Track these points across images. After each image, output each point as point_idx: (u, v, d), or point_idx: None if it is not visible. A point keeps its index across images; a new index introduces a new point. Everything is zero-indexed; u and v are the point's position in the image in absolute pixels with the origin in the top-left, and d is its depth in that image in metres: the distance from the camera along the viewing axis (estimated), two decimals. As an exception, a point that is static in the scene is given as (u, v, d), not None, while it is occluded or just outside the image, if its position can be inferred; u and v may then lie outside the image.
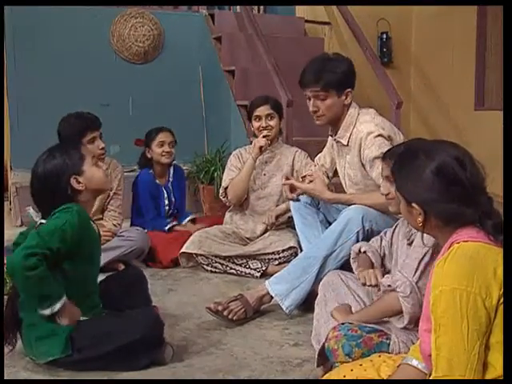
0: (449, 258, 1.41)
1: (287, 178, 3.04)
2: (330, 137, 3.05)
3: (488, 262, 1.38)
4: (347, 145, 2.82)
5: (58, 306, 2.08)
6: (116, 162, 3.71)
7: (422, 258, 1.99)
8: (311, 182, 2.92)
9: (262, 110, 3.52)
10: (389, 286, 2.03)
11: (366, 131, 2.71)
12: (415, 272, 1.99)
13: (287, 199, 3.06)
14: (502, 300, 1.36)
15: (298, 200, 2.97)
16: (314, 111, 2.79)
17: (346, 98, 2.77)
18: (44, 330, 2.11)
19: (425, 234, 1.98)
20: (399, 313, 1.97)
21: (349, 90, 2.76)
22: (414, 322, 1.95)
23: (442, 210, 1.48)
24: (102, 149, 3.38)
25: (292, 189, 2.98)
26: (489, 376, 1.37)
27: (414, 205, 1.51)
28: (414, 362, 1.58)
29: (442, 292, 1.37)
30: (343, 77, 2.74)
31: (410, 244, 2.12)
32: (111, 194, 3.59)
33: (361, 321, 1.98)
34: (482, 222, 1.46)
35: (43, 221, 2.15)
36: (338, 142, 2.87)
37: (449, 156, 1.49)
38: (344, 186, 2.97)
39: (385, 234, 2.33)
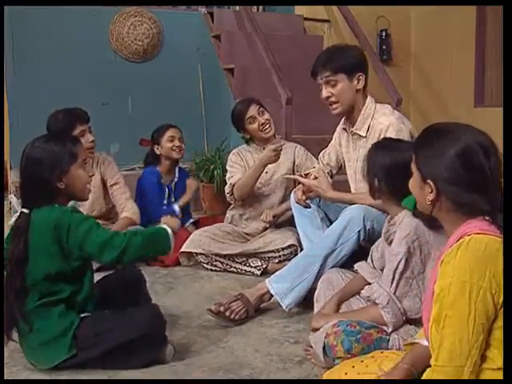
0: (461, 249, 1.40)
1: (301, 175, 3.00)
2: (336, 133, 3.03)
3: (500, 257, 1.37)
4: (365, 136, 2.78)
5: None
6: (104, 154, 3.70)
7: (397, 268, 2.01)
8: (316, 178, 2.89)
9: (253, 109, 3.50)
10: (368, 297, 2.05)
11: (388, 123, 2.68)
12: (391, 283, 2.01)
13: (296, 202, 2.98)
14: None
15: (308, 207, 2.93)
16: (326, 97, 2.76)
17: (358, 83, 2.73)
18: (47, 335, 2.10)
19: (397, 239, 2.01)
20: (382, 323, 1.99)
21: (360, 73, 2.73)
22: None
23: (455, 194, 1.46)
24: (92, 142, 3.39)
25: (304, 191, 2.93)
26: (487, 365, 1.38)
27: (428, 181, 1.50)
28: (425, 343, 1.59)
29: (451, 283, 1.36)
30: (352, 60, 2.72)
31: (389, 244, 2.14)
32: (108, 186, 3.59)
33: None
34: (494, 216, 1.44)
35: (25, 210, 2.10)
36: (354, 134, 2.83)
37: (476, 141, 1.47)
38: (352, 181, 2.93)
39: (376, 248, 2.33)
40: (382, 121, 2.71)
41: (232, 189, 3.49)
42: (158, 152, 3.88)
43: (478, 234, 1.41)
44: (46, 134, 2.18)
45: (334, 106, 2.77)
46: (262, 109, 3.54)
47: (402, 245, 1.99)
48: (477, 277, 1.35)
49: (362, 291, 2.12)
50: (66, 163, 2.11)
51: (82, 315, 2.15)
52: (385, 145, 2.17)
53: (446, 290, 1.37)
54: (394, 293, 2.00)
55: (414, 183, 1.58)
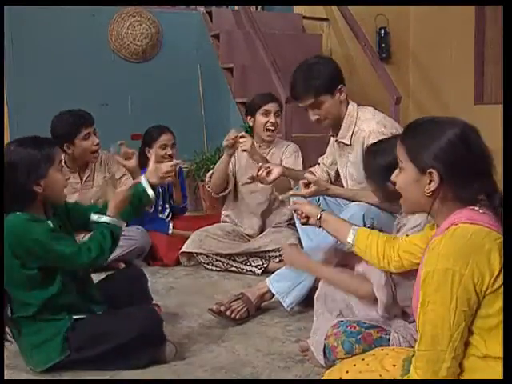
0: (446, 238, 1.41)
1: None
2: (331, 137, 3.05)
3: (485, 247, 1.38)
4: (350, 144, 2.81)
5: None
6: (106, 151, 3.69)
7: None
8: (309, 184, 2.87)
9: (273, 106, 3.53)
10: (362, 272, 2.06)
11: (368, 130, 2.69)
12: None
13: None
14: (490, 289, 1.36)
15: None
16: (316, 120, 2.78)
17: (341, 95, 2.76)
18: (39, 338, 2.09)
19: (405, 229, 2.01)
20: (361, 297, 2.02)
21: (339, 86, 2.75)
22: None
23: (460, 176, 1.44)
24: (97, 145, 3.40)
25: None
26: (472, 351, 1.40)
27: (430, 170, 1.45)
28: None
29: (435, 271, 1.37)
30: (330, 78, 2.72)
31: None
32: (117, 179, 3.59)
33: (321, 275, 2.20)
34: (490, 196, 1.45)
35: None
36: (339, 142, 2.86)
37: (466, 125, 1.48)
38: (345, 186, 2.96)
39: None
40: (364, 128, 2.73)
41: (209, 181, 3.61)
42: (149, 155, 3.85)
43: (466, 223, 1.42)
44: (21, 137, 2.13)
45: (323, 122, 2.80)
46: (279, 112, 3.58)
47: (410, 234, 1.99)
48: (459, 264, 1.35)
49: (358, 265, 2.10)
50: (43, 167, 2.06)
51: (75, 317, 2.13)
52: (375, 149, 2.16)
53: (430, 276, 1.38)
54: (391, 275, 2.00)
55: (405, 178, 1.53)
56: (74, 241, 2.20)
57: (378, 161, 2.08)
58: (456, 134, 1.45)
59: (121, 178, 3.61)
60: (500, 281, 1.37)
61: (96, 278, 2.42)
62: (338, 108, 2.77)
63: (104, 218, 2.15)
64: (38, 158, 2.05)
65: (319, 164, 3.22)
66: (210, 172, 3.63)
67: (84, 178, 3.54)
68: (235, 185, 3.64)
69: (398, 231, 2.16)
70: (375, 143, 2.28)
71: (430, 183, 1.47)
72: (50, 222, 2.13)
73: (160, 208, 3.92)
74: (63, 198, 2.22)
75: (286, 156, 3.55)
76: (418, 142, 1.49)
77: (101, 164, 3.59)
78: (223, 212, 3.74)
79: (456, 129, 1.46)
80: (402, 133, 1.58)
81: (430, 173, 1.46)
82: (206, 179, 3.64)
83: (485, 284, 1.36)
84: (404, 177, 1.54)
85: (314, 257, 2.38)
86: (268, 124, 3.51)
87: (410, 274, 1.87)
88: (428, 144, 1.47)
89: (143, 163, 3.91)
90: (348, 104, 2.80)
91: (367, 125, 2.72)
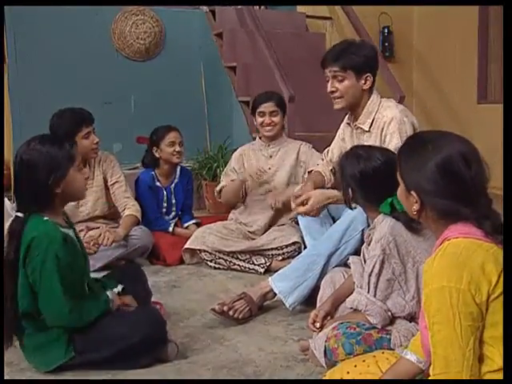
0: (438, 256, 1.40)
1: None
2: (340, 129, 3.01)
3: (477, 259, 1.37)
4: (368, 131, 2.76)
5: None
6: (107, 152, 3.69)
7: (372, 271, 2.02)
8: (306, 201, 2.84)
9: (267, 107, 3.54)
10: (351, 308, 2.08)
11: (391, 116, 2.67)
12: (368, 286, 2.02)
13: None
14: (492, 297, 1.35)
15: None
16: (331, 91, 2.74)
17: (366, 83, 2.72)
18: (43, 339, 2.09)
19: (373, 242, 2.05)
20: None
21: (368, 74, 2.72)
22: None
23: (438, 204, 1.46)
24: (97, 143, 3.40)
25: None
26: (487, 368, 1.38)
27: (412, 192, 1.50)
28: (412, 357, 1.59)
29: (432, 290, 1.37)
30: (363, 60, 2.70)
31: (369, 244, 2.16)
32: (109, 184, 3.58)
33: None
34: (480, 223, 1.43)
35: (19, 214, 2.05)
36: (358, 128, 2.81)
37: (456, 152, 1.45)
38: None
39: (366, 247, 2.33)
40: (386, 114, 2.71)
41: (219, 193, 3.67)
42: (157, 155, 3.85)
43: (457, 238, 1.41)
44: (41, 135, 2.09)
45: (337, 100, 2.75)
46: (276, 111, 3.55)
47: (377, 247, 2.00)
48: (454, 280, 1.34)
49: (346, 303, 2.14)
50: (64, 167, 2.05)
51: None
52: (354, 154, 2.17)
53: (429, 298, 1.38)
54: (374, 295, 2.01)
55: (400, 192, 1.58)
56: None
57: (352, 166, 2.12)
58: (438, 163, 1.44)
59: (113, 184, 3.59)
60: (501, 287, 1.36)
61: (96, 276, 2.44)
62: (358, 94, 2.73)
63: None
64: (59, 157, 2.04)
65: (322, 160, 3.19)
66: (220, 186, 3.66)
67: None
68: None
69: (368, 243, 2.16)
70: (358, 147, 2.29)
71: (416, 202, 1.50)
72: (70, 232, 2.14)
73: (165, 210, 3.91)
74: (84, 196, 2.26)
75: (309, 157, 3.55)
76: (407, 164, 1.53)
77: (99, 163, 3.58)
78: (233, 210, 3.75)
79: (440, 157, 1.45)
80: (400, 147, 1.60)
81: (413, 195, 1.50)
82: (216, 193, 3.70)
83: (484, 295, 1.35)
84: (399, 190, 1.58)
85: (328, 289, 2.39)
86: (264, 124, 3.55)
87: None
88: (412, 168, 1.50)
89: (149, 164, 3.92)
90: (372, 94, 2.77)
91: (390, 111, 2.70)
